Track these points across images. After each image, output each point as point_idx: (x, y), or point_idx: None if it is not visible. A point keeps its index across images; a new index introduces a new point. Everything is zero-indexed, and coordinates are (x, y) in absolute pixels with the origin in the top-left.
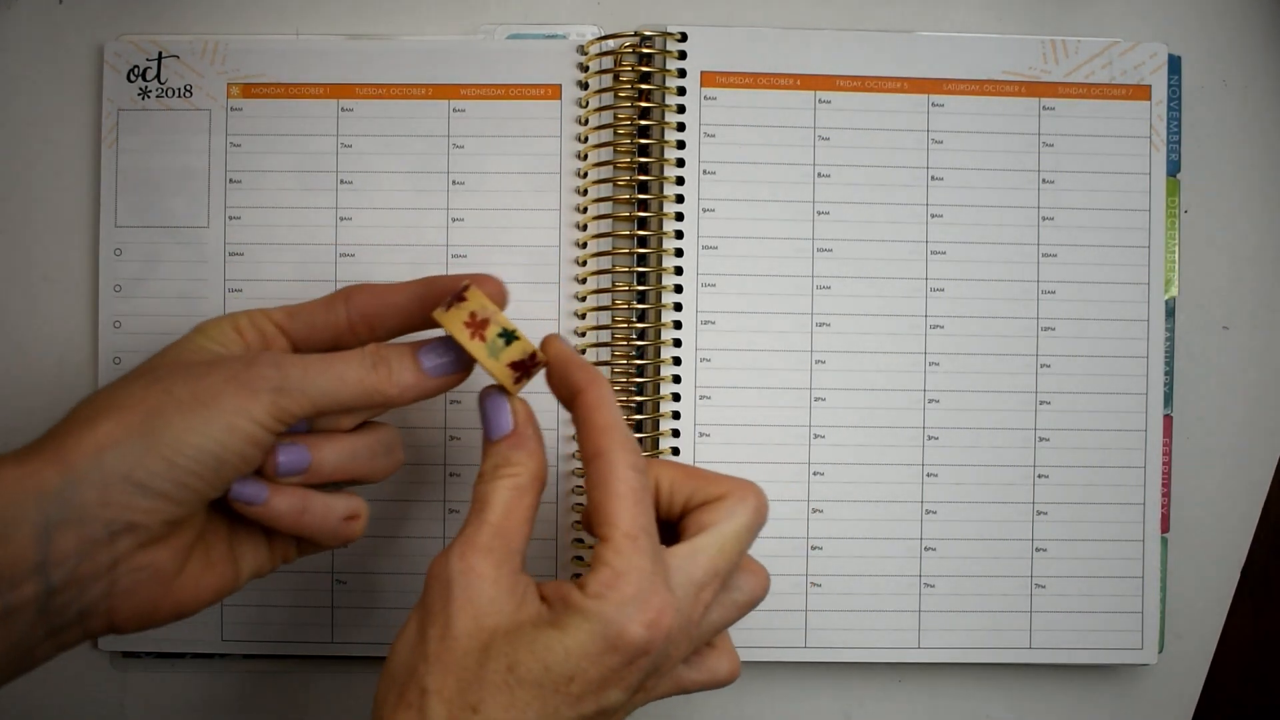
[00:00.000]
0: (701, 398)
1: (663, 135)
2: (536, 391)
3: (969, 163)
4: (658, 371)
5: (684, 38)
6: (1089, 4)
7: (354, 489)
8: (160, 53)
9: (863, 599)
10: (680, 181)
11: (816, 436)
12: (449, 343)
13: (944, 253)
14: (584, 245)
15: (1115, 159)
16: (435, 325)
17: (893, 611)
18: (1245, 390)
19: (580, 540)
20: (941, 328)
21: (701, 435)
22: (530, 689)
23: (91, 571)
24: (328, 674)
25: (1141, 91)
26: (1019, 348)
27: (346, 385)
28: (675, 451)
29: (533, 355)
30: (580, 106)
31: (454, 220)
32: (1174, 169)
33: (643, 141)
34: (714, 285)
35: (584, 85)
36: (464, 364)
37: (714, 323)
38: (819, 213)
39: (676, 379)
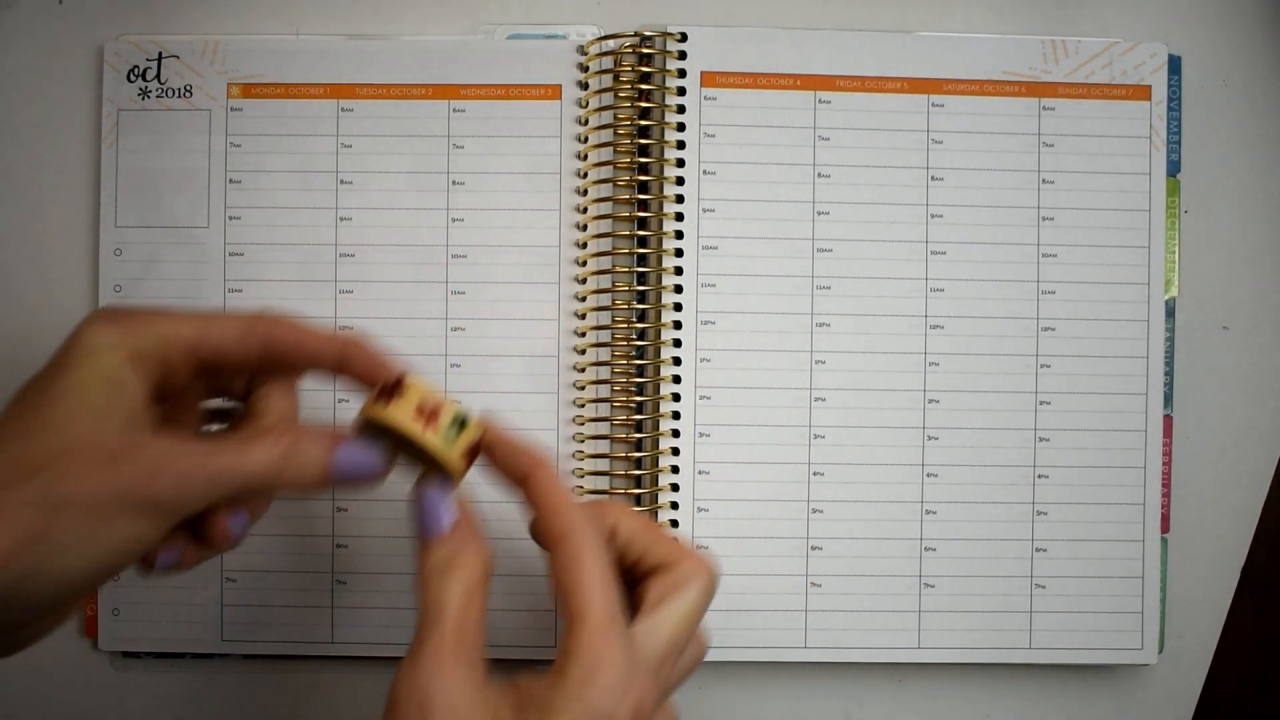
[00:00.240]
0: (701, 398)
1: (663, 135)
2: (537, 391)
3: (969, 163)
4: (658, 371)
5: (684, 38)
6: (1089, 4)
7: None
8: (160, 53)
9: (863, 599)
10: (680, 182)
11: (816, 436)
12: (372, 441)
13: (944, 253)
14: (584, 245)
15: (1115, 159)
16: (341, 371)
17: (893, 611)
18: (1245, 390)
19: None
20: (941, 328)
21: (701, 435)
22: None
23: None
24: (328, 674)
25: (1141, 91)
26: (1019, 348)
27: (252, 480)
28: (675, 451)
29: (480, 437)
30: (580, 106)
31: (454, 220)
32: (1174, 169)
33: (643, 141)
34: (714, 285)
35: (584, 85)
36: (384, 466)
37: (714, 323)
38: (819, 213)
39: (676, 379)
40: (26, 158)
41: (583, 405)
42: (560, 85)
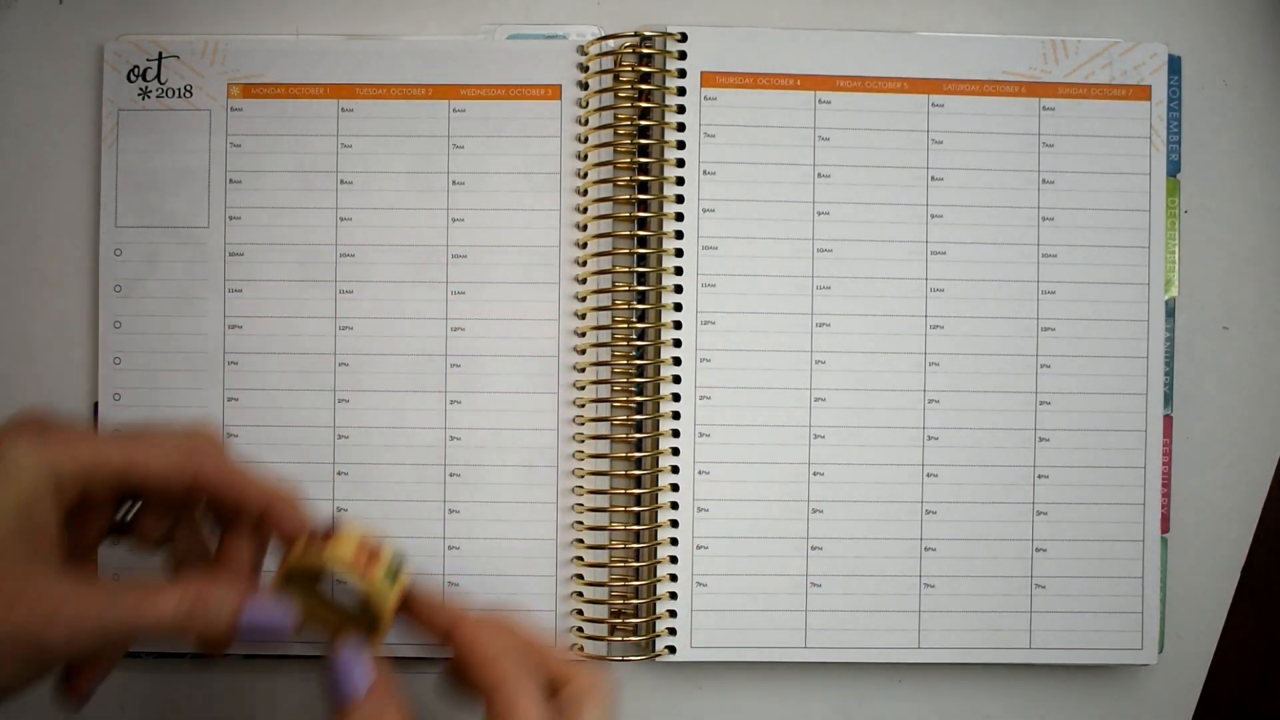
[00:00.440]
0: (701, 398)
1: (663, 135)
2: (537, 391)
3: (969, 163)
4: (658, 371)
5: (684, 38)
6: (1089, 4)
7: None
8: (160, 53)
9: (863, 599)
10: (680, 182)
11: (816, 436)
12: (285, 597)
13: (944, 253)
14: (584, 245)
15: (1115, 159)
16: (265, 522)
17: (893, 611)
18: (1245, 390)
19: (580, 540)
20: (941, 328)
21: (701, 435)
22: None
23: None
24: None
25: (1141, 91)
26: (1019, 348)
27: (153, 630)
28: (675, 451)
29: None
30: (580, 106)
31: (454, 220)
32: (1174, 169)
33: (643, 142)
34: (714, 285)
35: (584, 85)
36: (295, 623)
37: (714, 323)
38: (819, 213)
39: (676, 379)
40: (26, 158)
41: (583, 405)
42: (560, 85)
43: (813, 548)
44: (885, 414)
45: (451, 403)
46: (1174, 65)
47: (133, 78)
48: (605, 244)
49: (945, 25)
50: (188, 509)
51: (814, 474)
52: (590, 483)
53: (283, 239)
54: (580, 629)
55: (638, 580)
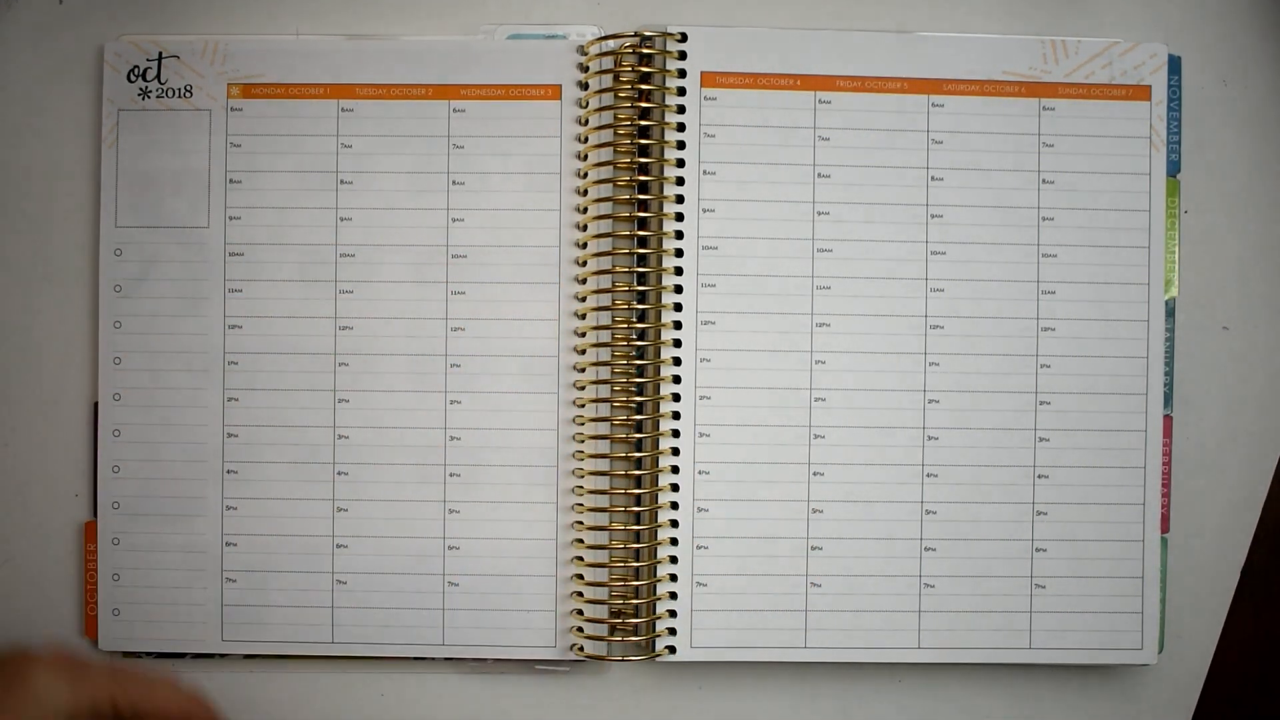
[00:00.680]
0: (701, 398)
1: (663, 135)
2: (537, 391)
3: (969, 163)
4: (658, 371)
5: (684, 38)
6: (1089, 4)
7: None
8: (160, 53)
9: (863, 599)
10: (680, 182)
11: (816, 436)
12: None
13: (944, 253)
14: (584, 245)
15: (1115, 159)
16: None
17: (893, 611)
18: (1245, 390)
19: (580, 540)
20: (941, 328)
21: (701, 435)
22: None
23: None
24: (328, 674)
25: (1141, 92)
26: (1019, 348)
27: None
28: (675, 451)
29: None
30: (580, 107)
31: (454, 220)
32: (1174, 169)
33: (643, 142)
34: (714, 285)
35: (584, 85)
36: None
37: (714, 323)
38: (819, 213)
39: (676, 379)
40: (26, 158)
41: (583, 405)
42: (560, 85)
43: (813, 548)
44: (885, 414)
45: (451, 403)
46: (1174, 65)
47: (133, 78)
48: (605, 244)
49: (945, 25)
50: None
51: (814, 474)
52: (590, 483)
53: (283, 239)
54: (580, 629)
55: (638, 580)
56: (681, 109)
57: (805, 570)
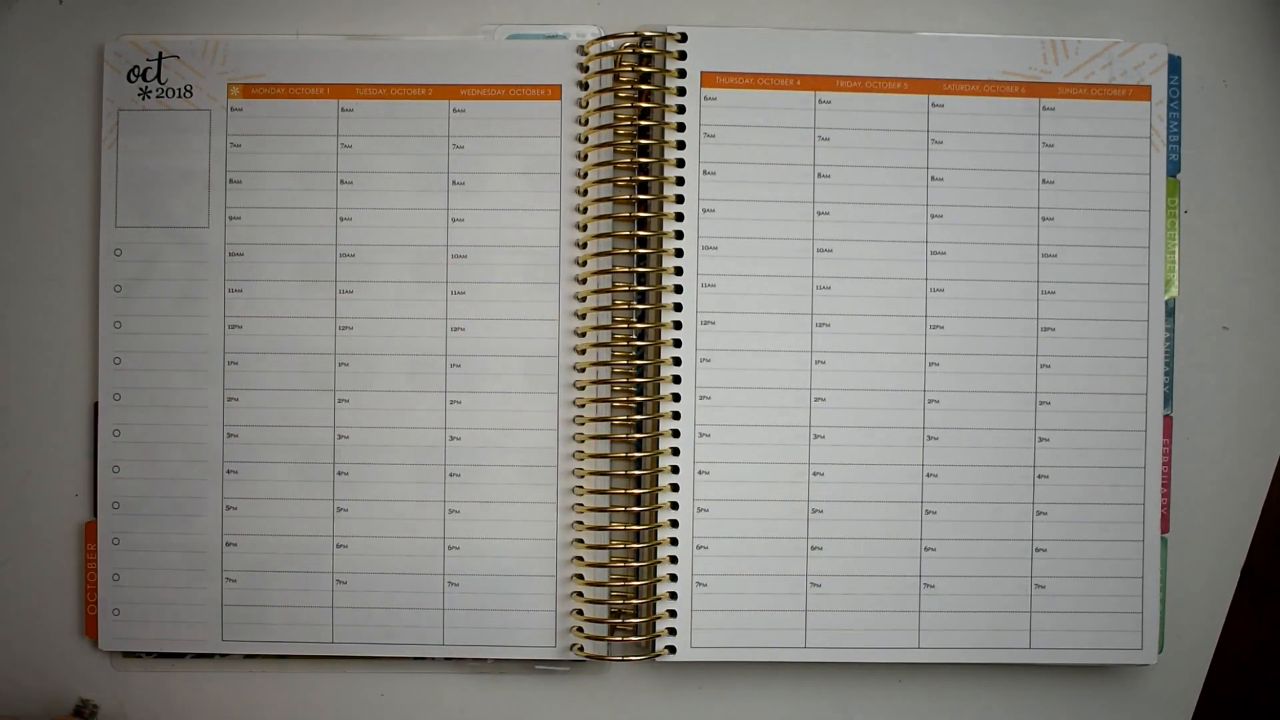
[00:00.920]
0: (701, 398)
1: (663, 135)
2: (537, 391)
3: (969, 163)
4: (658, 371)
5: (684, 38)
6: (1089, 4)
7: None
8: (160, 53)
9: (863, 599)
10: (680, 181)
11: (816, 436)
12: None
13: (944, 253)
14: (584, 245)
15: (1115, 159)
16: None
17: (892, 611)
18: (1245, 390)
19: (580, 540)
20: (941, 328)
21: (701, 435)
22: None
23: None
24: (328, 674)
25: (1141, 92)
26: (1019, 348)
27: None
28: (675, 451)
29: None
30: (580, 106)
31: (454, 220)
32: (1174, 169)
33: (643, 142)
34: (714, 285)
35: (584, 85)
36: None
37: (714, 323)
38: (819, 213)
39: (676, 379)
40: (26, 158)
41: (583, 405)
42: (560, 85)
43: (813, 548)
44: (885, 414)
45: (451, 403)
46: (1174, 65)
47: (133, 78)
48: (605, 244)
49: (945, 25)
50: None
51: (814, 474)
52: (590, 483)
53: (283, 239)
54: (580, 629)
55: (638, 580)
56: (681, 109)
57: (805, 570)
